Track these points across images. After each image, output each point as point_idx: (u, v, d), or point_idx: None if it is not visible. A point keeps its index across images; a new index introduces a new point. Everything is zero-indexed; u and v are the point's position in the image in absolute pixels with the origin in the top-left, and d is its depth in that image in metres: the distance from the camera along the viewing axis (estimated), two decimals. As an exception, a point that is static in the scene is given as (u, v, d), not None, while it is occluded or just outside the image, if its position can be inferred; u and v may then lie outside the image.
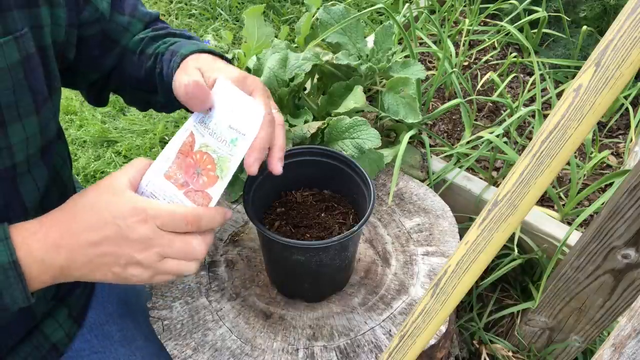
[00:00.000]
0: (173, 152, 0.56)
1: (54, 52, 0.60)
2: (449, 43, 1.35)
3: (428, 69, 1.50)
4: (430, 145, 1.22)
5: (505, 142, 1.19)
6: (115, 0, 0.71)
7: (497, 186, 1.13)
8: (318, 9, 1.13)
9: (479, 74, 1.48)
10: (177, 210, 0.52)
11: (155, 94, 0.73)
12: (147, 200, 0.53)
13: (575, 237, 0.98)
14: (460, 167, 1.14)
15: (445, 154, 1.19)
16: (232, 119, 0.56)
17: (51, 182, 0.64)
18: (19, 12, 0.53)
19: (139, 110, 0.89)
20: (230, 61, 0.71)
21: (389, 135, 1.15)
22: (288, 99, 1.04)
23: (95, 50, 0.70)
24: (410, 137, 1.06)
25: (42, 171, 0.62)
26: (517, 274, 1.15)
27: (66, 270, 0.53)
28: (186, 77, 0.58)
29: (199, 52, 0.66)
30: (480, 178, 1.17)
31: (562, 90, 1.35)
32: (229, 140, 0.55)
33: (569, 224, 1.07)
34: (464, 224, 1.06)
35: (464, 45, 1.46)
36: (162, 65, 0.68)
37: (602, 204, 0.98)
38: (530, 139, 1.28)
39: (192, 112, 0.60)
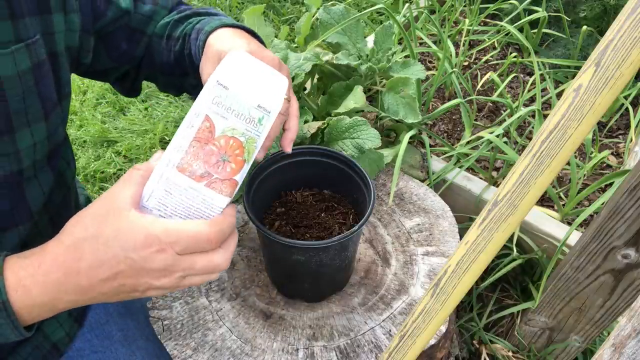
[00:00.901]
0: (187, 140, 0.49)
1: (66, 58, 0.60)
2: (449, 43, 1.35)
3: (428, 69, 1.50)
4: (430, 145, 1.22)
5: (505, 142, 1.19)
6: None
7: (497, 186, 1.13)
8: (318, 9, 1.13)
9: (479, 74, 1.48)
10: (199, 233, 0.48)
11: (187, 76, 0.72)
12: (159, 223, 0.47)
13: (575, 237, 0.98)
14: (460, 167, 1.14)
15: (446, 154, 1.19)
16: (256, 96, 0.51)
17: (55, 185, 0.64)
18: (31, 19, 0.53)
19: (173, 96, 0.86)
20: (255, 34, 0.68)
21: (389, 135, 1.15)
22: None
23: (124, 45, 0.70)
24: (410, 137, 1.06)
25: (48, 176, 0.62)
26: (517, 274, 1.15)
27: (75, 303, 0.49)
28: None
29: (223, 27, 0.64)
30: (480, 178, 1.17)
31: (562, 90, 1.35)
32: (256, 119, 0.50)
33: (569, 224, 1.07)
34: (464, 224, 1.06)
35: (464, 45, 1.46)
36: (190, 46, 0.67)
37: (602, 204, 0.98)
38: (530, 139, 1.28)
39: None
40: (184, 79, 0.75)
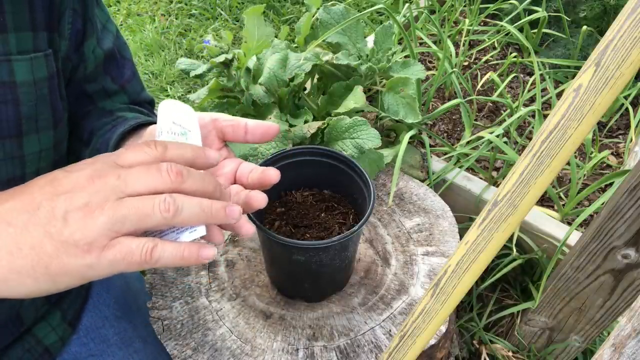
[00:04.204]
0: None
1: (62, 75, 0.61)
2: (449, 43, 1.35)
3: (428, 69, 1.50)
4: (430, 145, 1.22)
5: (505, 142, 1.19)
6: (111, 65, 0.68)
7: (497, 186, 1.13)
8: (318, 9, 1.13)
9: (479, 74, 1.48)
10: (139, 143, 0.41)
11: (87, 148, 0.68)
12: None
13: (575, 237, 0.98)
14: (460, 167, 1.14)
15: (446, 154, 1.19)
16: (173, 117, 0.52)
17: None
18: (43, 33, 0.55)
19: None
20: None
21: (389, 135, 1.15)
22: (288, 99, 1.04)
23: (71, 99, 0.67)
24: (410, 137, 1.06)
25: None
26: (517, 274, 1.15)
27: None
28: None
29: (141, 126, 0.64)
30: (480, 178, 1.17)
31: (562, 90, 1.35)
32: (179, 133, 0.51)
33: (569, 224, 1.07)
34: (464, 224, 1.06)
35: (464, 45, 1.46)
36: (118, 123, 0.65)
37: (602, 204, 0.98)
38: (530, 139, 1.28)
39: None
40: (82, 146, 0.70)
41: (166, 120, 0.52)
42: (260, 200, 0.51)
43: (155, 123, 0.63)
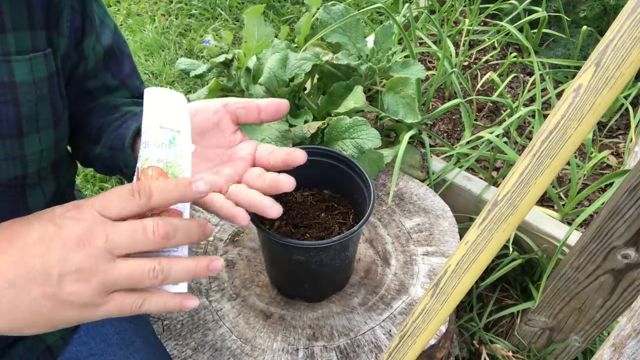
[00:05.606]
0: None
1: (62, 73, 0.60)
2: (449, 43, 1.35)
3: (428, 69, 1.50)
4: (430, 145, 1.22)
5: (505, 142, 1.19)
6: (111, 61, 0.68)
7: (497, 186, 1.13)
8: (318, 9, 1.13)
9: (479, 74, 1.48)
10: (121, 187, 0.42)
11: (96, 145, 0.67)
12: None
13: (575, 237, 0.98)
14: (460, 167, 1.14)
15: (446, 154, 1.19)
16: (159, 118, 0.50)
17: (57, 192, 0.65)
18: (42, 32, 0.55)
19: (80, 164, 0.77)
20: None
21: (389, 135, 1.15)
22: (288, 99, 1.04)
23: (71, 97, 0.66)
24: (410, 137, 1.06)
25: (52, 184, 0.62)
26: (517, 274, 1.15)
27: None
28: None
29: None
30: (480, 178, 1.17)
31: (562, 90, 1.35)
32: (167, 142, 0.49)
33: (569, 224, 1.07)
34: (464, 224, 1.06)
35: (464, 45, 1.47)
36: (128, 119, 0.65)
37: (602, 204, 0.98)
38: (530, 139, 1.28)
39: None
40: (91, 145, 0.69)
41: (153, 123, 0.49)
42: (289, 184, 0.53)
43: None
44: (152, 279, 0.41)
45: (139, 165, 0.48)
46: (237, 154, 0.59)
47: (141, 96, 0.74)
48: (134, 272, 0.40)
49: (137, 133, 0.61)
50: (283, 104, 0.57)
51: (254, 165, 0.58)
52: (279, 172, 0.57)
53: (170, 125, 0.50)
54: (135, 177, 0.48)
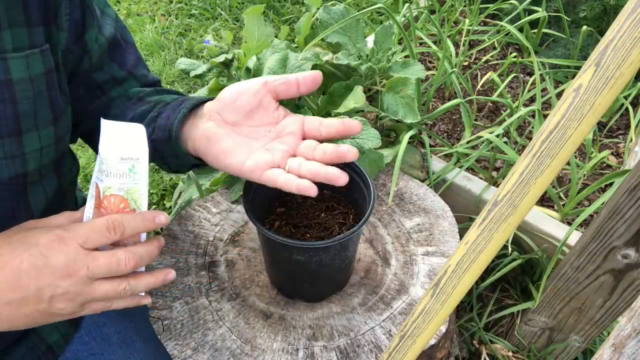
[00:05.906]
0: (90, 210, 0.55)
1: (62, 69, 0.60)
2: (449, 43, 1.35)
3: (428, 69, 1.50)
4: (430, 145, 1.22)
5: (505, 142, 1.19)
6: (115, 51, 0.68)
7: (497, 186, 1.13)
8: (318, 9, 1.13)
9: (479, 74, 1.48)
10: (95, 220, 0.51)
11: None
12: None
13: (575, 237, 0.98)
14: (460, 167, 1.14)
15: (445, 153, 1.19)
16: (119, 150, 0.55)
17: (58, 190, 0.65)
18: (39, 28, 0.55)
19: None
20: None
21: (389, 135, 1.15)
22: (288, 99, 1.04)
23: (81, 90, 0.68)
24: (410, 137, 1.06)
25: (53, 181, 0.62)
26: (517, 274, 1.15)
27: None
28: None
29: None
30: (480, 178, 1.17)
31: (562, 90, 1.35)
32: (127, 170, 0.54)
33: (569, 224, 1.07)
34: (464, 224, 1.06)
35: (464, 45, 1.47)
36: (164, 110, 0.66)
37: (602, 204, 0.98)
38: (530, 139, 1.28)
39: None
40: None
41: (113, 156, 0.54)
42: (354, 153, 0.58)
43: (205, 102, 0.64)
44: (122, 295, 0.52)
45: (100, 189, 0.55)
46: (285, 129, 0.60)
47: (151, 84, 0.75)
48: (109, 291, 0.51)
49: (182, 123, 0.63)
50: (318, 75, 0.59)
51: (304, 138, 0.60)
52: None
53: (129, 155, 0.55)
54: (93, 195, 0.55)
